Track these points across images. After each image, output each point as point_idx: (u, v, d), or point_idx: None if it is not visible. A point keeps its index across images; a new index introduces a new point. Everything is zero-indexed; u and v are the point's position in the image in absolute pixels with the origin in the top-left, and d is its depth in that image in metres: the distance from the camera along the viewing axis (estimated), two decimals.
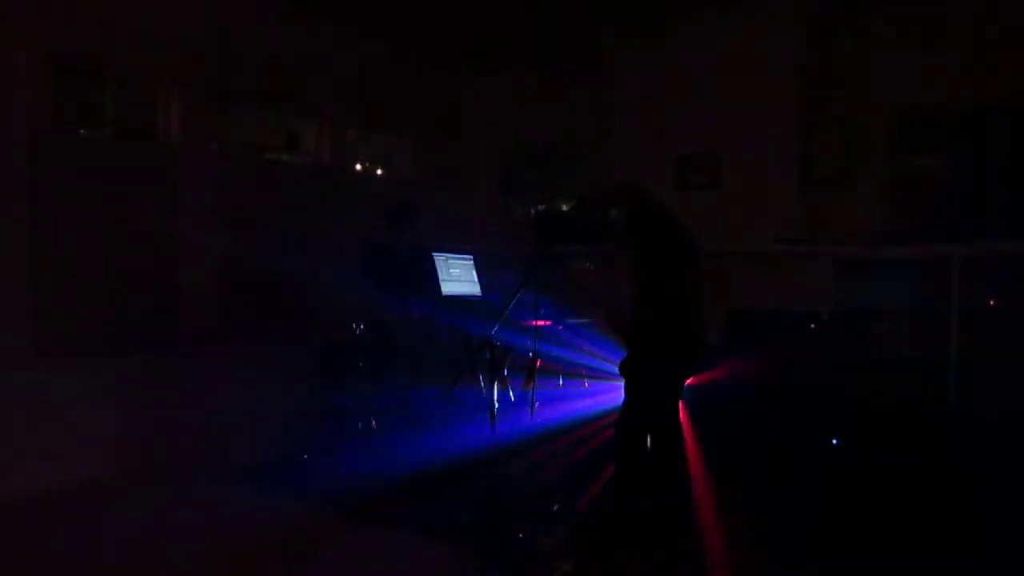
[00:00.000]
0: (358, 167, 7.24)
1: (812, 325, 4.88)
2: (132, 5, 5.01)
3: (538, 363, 5.48)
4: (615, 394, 5.58)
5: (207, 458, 4.87)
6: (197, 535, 3.76)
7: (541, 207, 8.02)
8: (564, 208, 7.81)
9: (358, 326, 5.39)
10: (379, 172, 7.48)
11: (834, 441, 4.66)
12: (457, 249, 5.81)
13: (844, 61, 6.15)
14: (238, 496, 4.36)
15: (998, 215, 5.54)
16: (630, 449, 3.71)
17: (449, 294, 5.48)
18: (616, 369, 3.75)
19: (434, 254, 5.50)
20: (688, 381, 3.84)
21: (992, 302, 5.38)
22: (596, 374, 5.95)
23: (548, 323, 5.74)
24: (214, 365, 5.18)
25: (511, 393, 5.70)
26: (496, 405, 4.06)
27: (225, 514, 4.05)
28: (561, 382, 5.99)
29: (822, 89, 6.18)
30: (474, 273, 5.81)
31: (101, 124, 5.14)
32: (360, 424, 5.17)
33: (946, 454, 4.67)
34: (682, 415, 3.77)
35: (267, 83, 6.00)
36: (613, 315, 3.92)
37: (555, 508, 4.09)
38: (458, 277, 5.63)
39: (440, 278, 5.46)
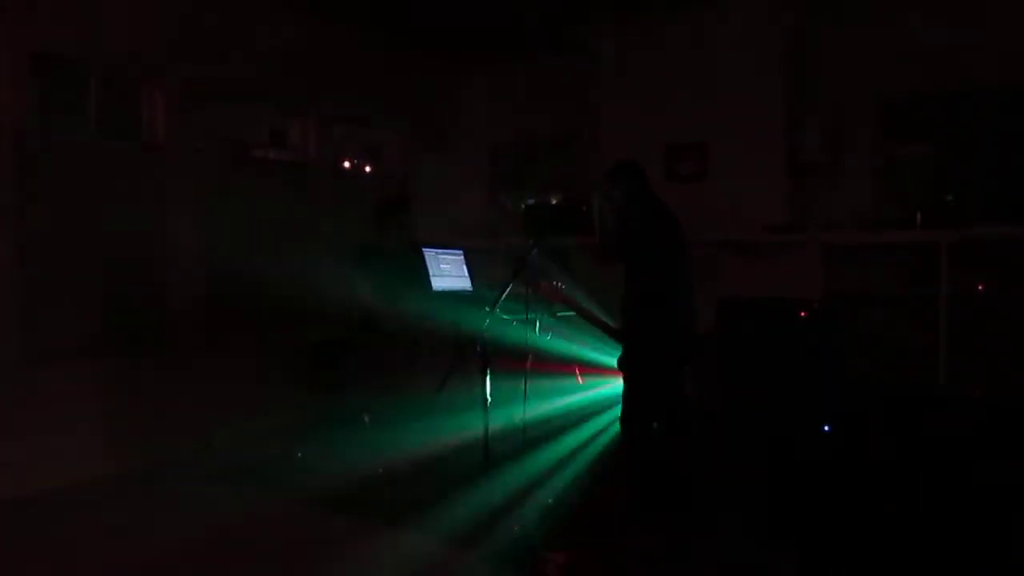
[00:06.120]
0: (346, 163, 7.20)
1: (802, 312, 4.88)
2: (115, 3, 4.96)
3: (530, 359, 5.45)
4: (609, 387, 5.61)
5: (198, 458, 4.85)
6: (189, 537, 3.75)
7: (531, 200, 7.99)
8: (554, 201, 7.78)
9: (349, 323, 5.36)
10: (368, 168, 7.43)
11: (826, 428, 4.69)
12: (447, 244, 5.79)
13: (831, 47, 6.14)
14: (231, 496, 4.35)
15: (986, 200, 5.55)
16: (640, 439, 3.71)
17: (440, 289, 5.46)
18: (610, 361, 3.75)
19: (424, 249, 5.48)
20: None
21: (981, 287, 5.40)
22: (590, 367, 5.95)
23: (539, 315, 5.73)
24: (204, 364, 5.16)
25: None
26: (488, 400, 4.05)
27: (218, 515, 4.05)
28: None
29: (809, 75, 6.17)
30: (464, 268, 5.78)
31: (86, 123, 5.09)
32: (352, 421, 5.16)
33: (937, 439, 4.71)
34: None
35: (253, 79, 5.95)
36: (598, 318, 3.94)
37: (549, 502, 4.10)
38: (448, 272, 5.61)
39: (431, 273, 5.44)
